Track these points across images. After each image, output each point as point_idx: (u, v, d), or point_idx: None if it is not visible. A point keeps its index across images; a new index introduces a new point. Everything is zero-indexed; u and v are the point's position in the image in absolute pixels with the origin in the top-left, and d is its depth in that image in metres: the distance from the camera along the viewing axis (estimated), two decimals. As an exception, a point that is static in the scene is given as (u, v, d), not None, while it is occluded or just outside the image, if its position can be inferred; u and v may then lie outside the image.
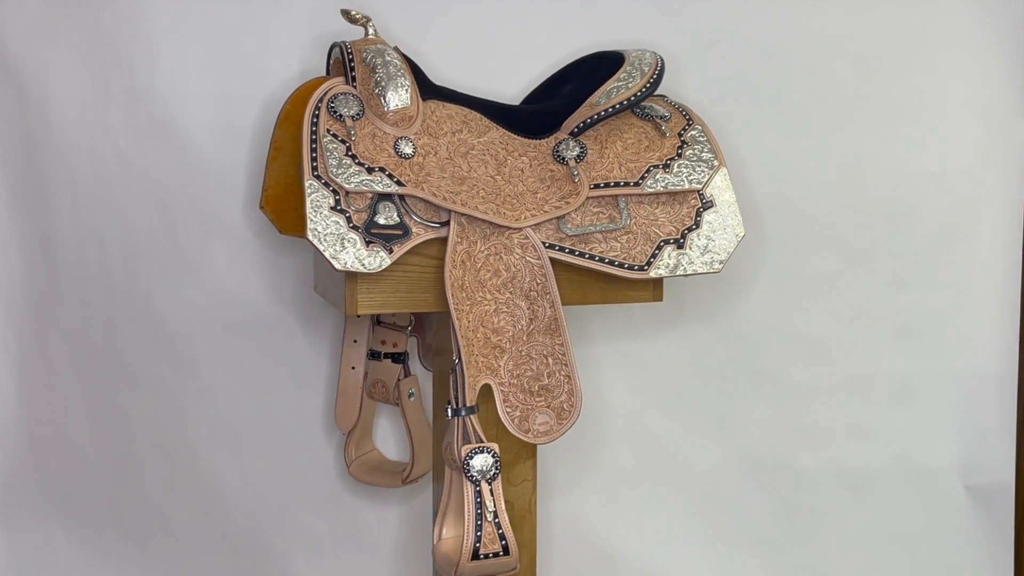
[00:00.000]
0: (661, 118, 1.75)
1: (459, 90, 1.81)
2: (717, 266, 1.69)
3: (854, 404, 2.10)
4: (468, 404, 1.60)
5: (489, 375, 1.63)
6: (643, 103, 1.77)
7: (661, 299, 1.73)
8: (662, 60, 1.78)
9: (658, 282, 1.72)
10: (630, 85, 1.72)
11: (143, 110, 2.05)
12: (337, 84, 1.73)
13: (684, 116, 1.77)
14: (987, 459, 2.09)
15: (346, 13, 1.78)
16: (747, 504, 2.12)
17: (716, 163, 1.72)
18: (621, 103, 1.71)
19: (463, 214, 1.64)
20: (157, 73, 2.04)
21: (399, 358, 1.96)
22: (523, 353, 1.65)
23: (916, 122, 2.05)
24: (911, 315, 2.08)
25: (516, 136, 1.73)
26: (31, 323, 2.16)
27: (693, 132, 1.74)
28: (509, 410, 1.64)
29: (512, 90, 1.97)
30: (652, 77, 1.74)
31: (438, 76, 1.92)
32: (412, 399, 1.94)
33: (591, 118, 1.72)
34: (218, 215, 2.07)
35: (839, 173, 2.05)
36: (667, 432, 2.12)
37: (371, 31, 1.78)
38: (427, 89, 1.75)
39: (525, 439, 1.65)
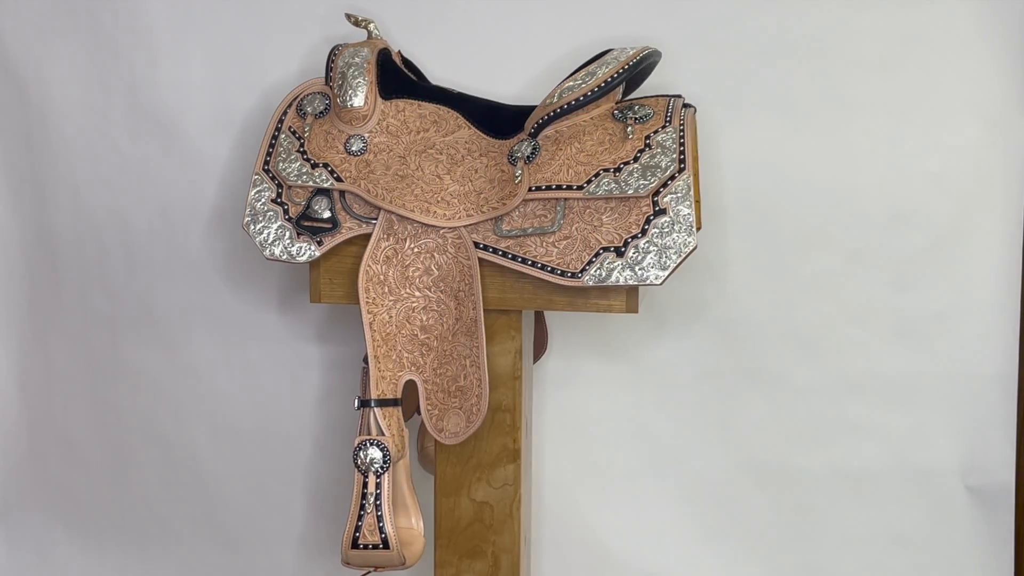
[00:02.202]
0: (637, 119, 1.68)
1: (463, 91, 1.83)
2: (656, 279, 1.60)
3: (854, 404, 2.09)
4: (372, 397, 1.64)
5: (414, 372, 1.67)
6: (631, 102, 1.73)
7: (636, 311, 1.67)
8: (641, 57, 1.71)
9: (632, 293, 1.66)
10: (581, 85, 1.67)
11: (143, 110, 2.06)
12: (315, 84, 1.79)
13: (667, 118, 1.69)
14: (987, 459, 2.09)
15: (349, 16, 1.83)
16: (746, 504, 2.12)
17: (676, 170, 1.63)
18: (570, 103, 1.66)
19: (391, 211, 1.66)
20: (157, 73, 2.04)
21: None
22: (446, 352, 1.66)
23: (916, 122, 2.04)
24: (911, 315, 2.07)
25: (485, 136, 1.72)
26: (31, 323, 2.16)
27: (662, 136, 1.66)
28: (430, 408, 1.67)
29: (510, 89, 1.97)
30: (612, 76, 1.67)
31: (439, 78, 1.93)
32: None
33: (543, 118, 1.68)
34: (218, 215, 2.07)
35: (839, 173, 2.05)
36: (666, 432, 2.12)
37: (373, 33, 1.81)
38: (398, 88, 1.76)
39: (438, 438, 1.68)
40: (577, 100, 1.66)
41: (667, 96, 1.77)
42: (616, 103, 1.73)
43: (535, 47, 2.02)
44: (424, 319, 1.67)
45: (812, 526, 2.11)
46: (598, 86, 1.66)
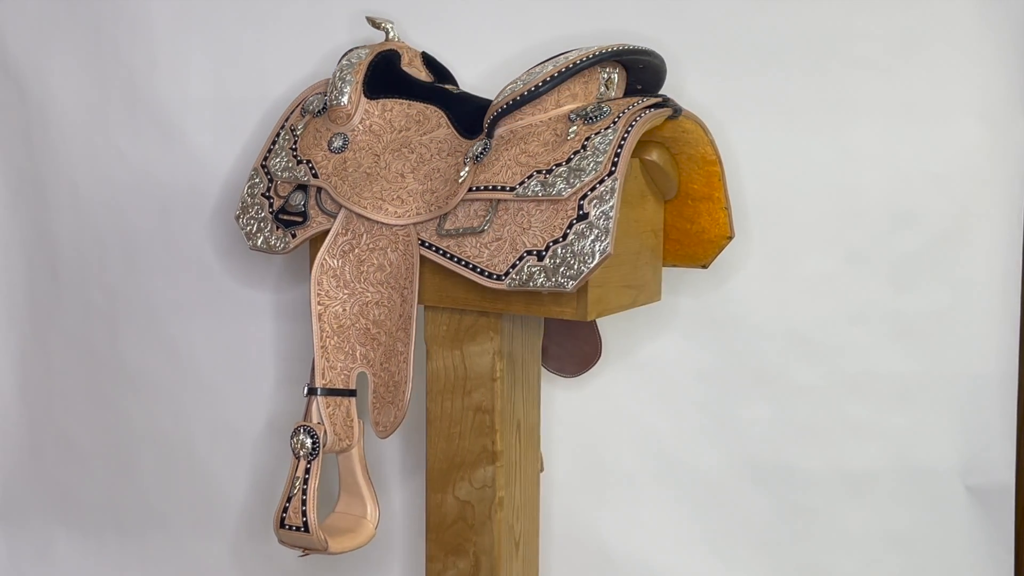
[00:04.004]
0: (587, 120, 1.62)
1: (470, 90, 1.84)
2: (568, 285, 1.54)
3: (854, 404, 2.09)
4: (318, 385, 1.68)
5: (365, 365, 1.70)
6: (598, 103, 1.66)
7: (585, 318, 1.62)
8: (592, 56, 1.64)
9: (582, 297, 1.62)
10: (519, 86, 1.64)
11: (143, 110, 2.06)
12: (324, 84, 1.83)
13: (614, 120, 1.61)
14: (987, 459, 2.09)
15: (369, 19, 1.86)
16: (747, 504, 2.12)
17: (603, 173, 1.56)
18: (508, 104, 1.64)
19: (347, 207, 1.70)
20: (157, 73, 2.04)
21: None
22: (390, 348, 1.69)
23: (916, 122, 2.04)
24: (911, 315, 2.07)
25: (459, 136, 1.72)
26: (31, 323, 2.16)
27: (599, 139, 1.59)
28: (375, 401, 1.70)
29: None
30: (552, 75, 1.62)
31: (463, 77, 1.95)
32: None
33: (490, 118, 1.66)
34: (218, 214, 2.07)
35: (839, 173, 2.05)
36: (667, 432, 2.12)
37: (391, 34, 1.84)
38: (393, 88, 1.78)
39: (375, 431, 1.71)
40: (515, 100, 1.64)
41: (638, 97, 1.69)
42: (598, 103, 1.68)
43: (531, 47, 2.02)
44: (377, 314, 1.70)
45: (812, 526, 2.12)
46: (536, 86, 1.63)
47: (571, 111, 1.65)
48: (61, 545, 2.21)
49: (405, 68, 1.83)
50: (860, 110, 2.04)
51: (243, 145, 2.05)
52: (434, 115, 1.75)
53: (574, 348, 1.92)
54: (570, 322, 1.89)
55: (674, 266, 1.86)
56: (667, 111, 1.65)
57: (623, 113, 1.61)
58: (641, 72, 1.73)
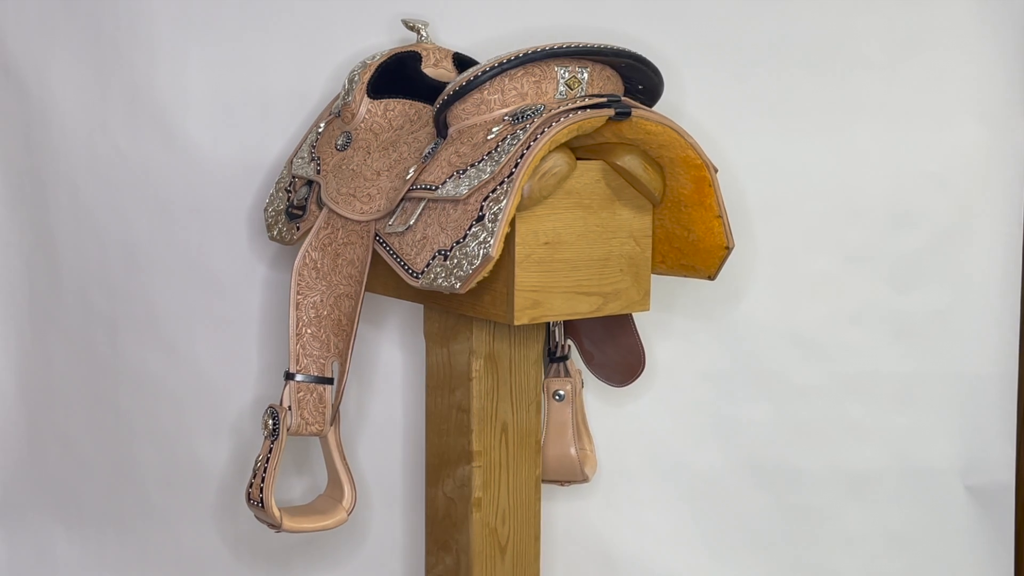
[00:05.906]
0: (514, 118, 1.57)
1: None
2: (457, 286, 1.52)
3: (854, 404, 2.09)
4: (290, 371, 1.72)
5: (337, 356, 1.74)
6: (545, 104, 1.60)
7: (512, 322, 1.57)
8: (530, 54, 1.58)
9: (509, 300, 1.58)
10: (450, 85, 1.62)
11: (143, 110, 2.06)
12: None
13: (534, 120, 1.54)
14: (987, 459, 2.09)
15: (405, 21, 1.90)
16: (747, 504, 2.12)
17: (501, 175, 1.51)
18: (441, 103, 1.62)
19: (326, 203, 1.75)
20: (157, 73, 2.05)
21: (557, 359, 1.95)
22: (351, 341, 1.72)
23: (916, 122, 2.05)
24: (911, 315, 2.07)
25: (436, 135, 1.71)
26: (31, 323, 2.17)
27: (510, 140, 1.54)
28: (337, 390, 1.73)
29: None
30: (477, 74, 1.59)
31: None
32: (559, 400, 1.94)
33: (435, 119, 1.66)
34: (218, 215, 2.08)
35: (839, 173, 2.05)
36: (667, 432, 2.12)
37: (422, 35, 1.87)
38: (399, 88, 1.79)
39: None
40: (445, 99, 1.62)
41: (585, 96, 1.62)
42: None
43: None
44: (347, 306, 1.73)
45: (812, 526, 2.11)
46: (461, 85, 1.61)
47: (510, 111, 1.60)
48: (61, 545, 2.21)
49: (428, 69, 1.82)
50: (860, 111, 2.04)
51: (244, 145, 2.06)
52: (427, 114, 1.75)
53: (617, 356, 1.89)
54: (607, 329, 1.87)
55: (682, 276, 1.76)
56: (607, 112, 1.53)
57: (546, 113, 1.54)
58: (630, 72, 1.66)
